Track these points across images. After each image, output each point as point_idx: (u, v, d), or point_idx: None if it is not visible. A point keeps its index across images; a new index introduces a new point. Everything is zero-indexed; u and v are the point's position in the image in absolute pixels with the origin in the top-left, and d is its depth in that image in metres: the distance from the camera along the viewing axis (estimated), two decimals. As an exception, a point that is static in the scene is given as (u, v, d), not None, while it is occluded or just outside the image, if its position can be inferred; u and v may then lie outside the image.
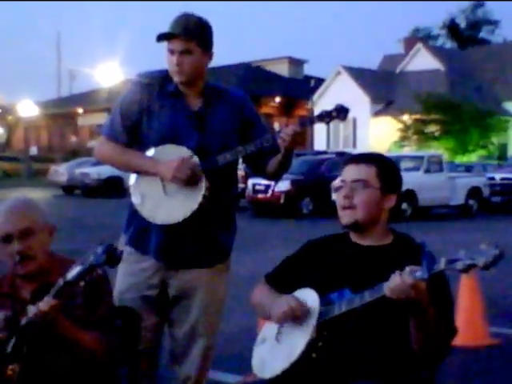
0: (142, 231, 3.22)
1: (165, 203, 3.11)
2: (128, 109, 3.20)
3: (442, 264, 2.25)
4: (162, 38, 3.10)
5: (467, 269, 2.21)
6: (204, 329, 3.28)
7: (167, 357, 3.39)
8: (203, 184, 3.09)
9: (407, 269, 2.30)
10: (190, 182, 3.06)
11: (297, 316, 2.51)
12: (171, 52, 3.12)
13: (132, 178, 3.23)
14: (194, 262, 3.22)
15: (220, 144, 3.15)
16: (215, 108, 3.21)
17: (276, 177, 3.35)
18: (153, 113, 3.17)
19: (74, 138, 49.10)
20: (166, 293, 3.26)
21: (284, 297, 2.59)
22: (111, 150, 3.24)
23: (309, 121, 3.19)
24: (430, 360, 2.52)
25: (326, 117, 3.08)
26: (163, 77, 3.20)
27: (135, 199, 3.18)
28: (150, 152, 3.16)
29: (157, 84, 3.20)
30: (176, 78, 3.15)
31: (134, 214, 3.22)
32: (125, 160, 3.21)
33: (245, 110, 3.28)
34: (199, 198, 3.08)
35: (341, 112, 3.07)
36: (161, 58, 3.21)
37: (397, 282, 2.28)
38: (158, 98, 3.17)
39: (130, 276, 3.23)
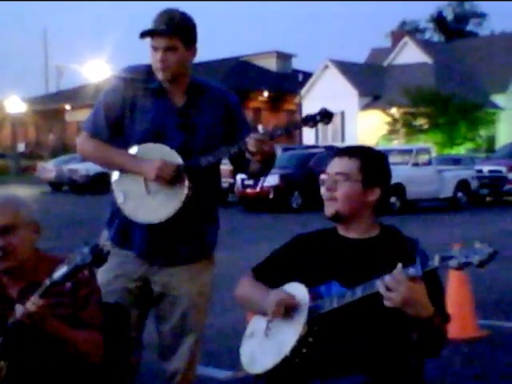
0: (125, 228, 3.20)
1: (147, 202, 3.10)
2: (111, 104, 3.17)
3: (435, 261, 2.25)
4: (145, 34, 3.08)
5: (461, 267, 2.21)
6: (191, 324, 3.28)
7: (156, 352, 3.37)
8: (186, 184, 3.07)
9: (399, 265, 2.29)
10: (173, 182, 3.06)
11: (289, 310, 2.51)
12: (155, 49, 3.09)
13: (114, 175, 3.21)
14: (177, 260, 3.21)
15: (204, 142, 3.14)
16: (200, 105, 3.20)
17: (259, 176, 3.39)
18: (136, 109, 3.14)
19: (52, 136, 48.67)
20: (149, 288, 3.25)
21: (275, 291, 2.58)
22: (94, 147, 3.21)
23: (294, 126, 3.19)
24: (427, 351, 2.52)
25: (310, 121, 3.06)
26: (148, 72, 3.17)
27: (118, 197, 3.16)
28: (133, 150, 3.14)
29: (141, 80, 3.17)
30: (160, 75, 3.12)
31: (116, 211, 3.20)
32: (108, 158, 3.19)
33: (230, 108, 3.26)
34: (182, 198, 3.07)
35: (325, 116, 3.04)
36: (148, 55, 3.19)
37: (389, 279, 2.28)
38: (142, 94, 3.15)
39: (111, 270, 3.18)
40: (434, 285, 2.46)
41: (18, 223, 2.72)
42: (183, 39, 3.09)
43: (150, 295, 3.27)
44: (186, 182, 3.07)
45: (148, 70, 3.17)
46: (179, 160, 3.07)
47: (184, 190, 3.08)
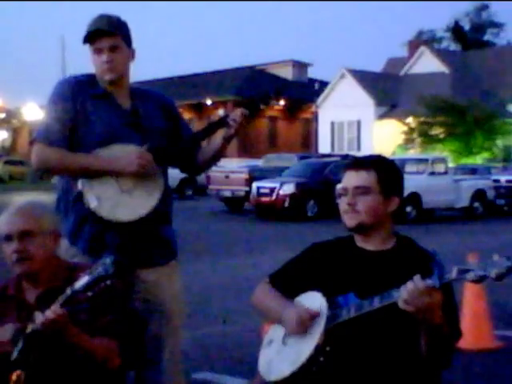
0: (97, 236, 3.12)
1: (124, 200, 3.09)
2: (62, 112, 3.13)
3: (453, 273, 2.25)
4: (88, 37, 3.12)
5: (479, 280, 2.21)
6: (171, 328, 3.25)
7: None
8: (161, 178, 3.14)
9: (418, 276, 2.29)
10: (151, 174, 3.09)
11: (306, 328, 2.51)
12: (99, 51, 3.13)
13: (80, 183, 3.10)
14: (151, 260, 3.20)
15: (158, 140, 3.19)
16: (146, 107, 3.25)
17: (207, 168, 3.45)
18: (87, 115, 3.14)
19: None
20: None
21: (293, 308, 2.57)
22: (54, 155, 3.11)
23: (251, 103, 3.28)
24: (437, 363, 2.52)
25: (265, 98, 3.27)
26: (90, 80, 3.20)
27: (91, 202, 3.06)
28: (96, 153, 3.11)
29: (86, 87, 3.17)
30: (107, 76, 3.14)
31: (83, 221, 3.12)
32: (73, 163, 3.10)
33: (169, 108, 3.37)
34: (160, 191, 3.11)
35: (278, 94, 3.23)
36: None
37: (409, 287, 2.28)
38: (90, 100, 3.15)
39: None
40: (448, 298, 2.45)
41: (38, 230, 2.74)
42: (124, 38, 3.16)
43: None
44: (161, 177, 3.14)
45: (90, 79, 3.20)
46: (146, 151, 3.11)
47: (160, 185, 3.12)
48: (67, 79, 3.27)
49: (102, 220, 3.07)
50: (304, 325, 2.51)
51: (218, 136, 3.26)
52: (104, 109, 3.16)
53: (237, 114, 3.16)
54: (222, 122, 3.20)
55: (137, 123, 3.20)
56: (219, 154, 3.33)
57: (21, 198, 26.98)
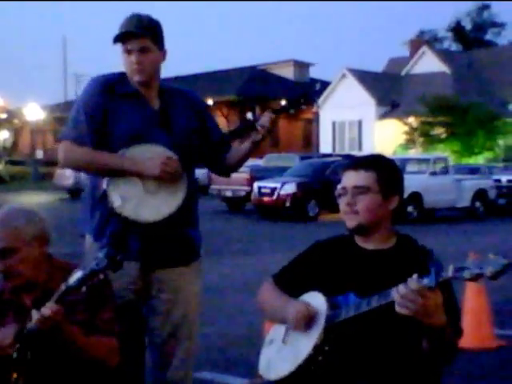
0: (118, 236, 3.13)
1: (148, 201, 3.09)
2: (91, 110, 3.14)
3: (449, 272, 2.25)
4: (118, 38, 3.12)
5: (475, 278, 2.21)
6: (187, 330, 3.26)
7: (149, 364, 3.31)
8: (185, 180, 3.13)
9: (414, 276, 2.29)
10: (175, 178, 3.08)
11: (308, 323, 2.52)
12: (129, 52, 3.13)
13: (105, 182, 3.11)
14: (173, 261, 3.20)
15: (185, 141, 3.19)
16: (175, 106, 3.25)
17: (235, 169, 3.43)
18: (116, 114, 3.14)
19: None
20: (147, 296, 3.21)
21: (294, 303, 2.60)
22: (82, 154, 3.13)
23: (281, 109, 3.33)
24: (439, 361, 2.52)
25: (295, 103, 3.35)
26: (121, 78, 3.20)
27: (115, 201, 3.08)
28: (123, 153, 3.11)
29: (116, 86, 3.18)
30: (136, 78, 3.14)
31: (107, 219, 3.14)
32: (99, 162, 3.11)
33: (201, 108, 3.36)
34: (183, 193, 3.11)
35: (307, 100, 3.30)
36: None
37: (401, 291, 2.28)
38: (119, 99, 3.16)
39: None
40: (448, 297, 2.45)
41: (20, 244, 2.68)
42: (154, 40, 3.14)
43: (146, 301, 3.22)
44: (185, 179, 3.13)
45: (120, 77, 3.20)
46: (174, 155, 3.10)
47: (184, 185, 3.11)
48: (97, 78, 3.25)
49: (126, 219, 3.08)
50: (304, 319, 2.51)
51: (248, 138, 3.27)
52: (132, 108, 3.16)
53: (266, 119, 3.15)
54: (251, 126, 3.20)
55: (165, 123, 3.19)
56: (247, 157, 3.34)
57: (22, 198, 27.05)
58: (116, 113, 3.14)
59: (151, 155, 3.09)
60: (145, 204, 3.08)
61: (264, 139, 3.21)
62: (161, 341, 3.23)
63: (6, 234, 2.67)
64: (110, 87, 3.17)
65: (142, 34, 3.09)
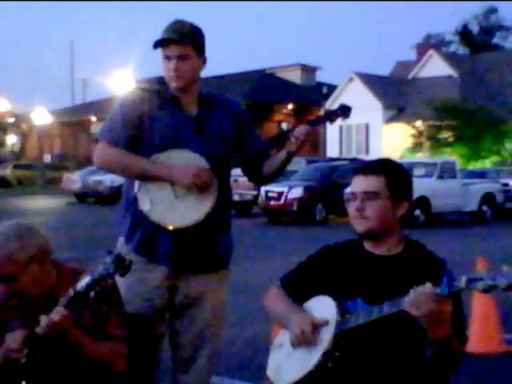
0: (148, 239, 3.16)
1: (177, 206, 3.10)
2: (129, 113, 3.17)
3: (462, 283, 2.24)
4: (158, 44, 3.14)
5: (488, 290, 2.20)
6: (211, 334, 3.28)
7: (170, 366, 3.34)
8: (216, 187, 3.12)
9: (427, 284, 2.29)
10: (204, 189, 3.09)
11: (308, 342, 2.51)
12: (168, 58, 3.15)
13: (136, 186, 3.14)
14: (202, 267, 3.22)
15: (220, 148, 3.19)
16: (213, 113, 3.25)
17: (272, 179, 3.43)
18: (153, 118, 3.16)
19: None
20: (172, 301, 3.23)
21: (299, 317, 2.58)
22: (116, 156, 3.16)
23: (317, 121, 3.30)
24: (444, 369, 2.52)
25: (332, 115, 3.23)
26: (160, 83, 3.22)
27: (144, 205, 3.11)
28: (156, 157, 3.14)
29: (155, 90, 3.21)
30: (173, 84, 3.17)
31: (138, 223, 3.17)
32: (132, 165, 3.14)
33: (240, 116, 3.35)
34: (212, 200, 3.11)
35: (345, 111, 3.22)
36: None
37: (418, 290, 2.28)
38: (157, 104, 3.18)
39: (135, 286, 3.15)
40: (456, 306, 2.44)
41: (16, 269, 2.67)
42: (195, 47, 3.15)
43: (172, 310, 3.25)
44: (216, 187, 3.12)
45: (160, 81, 3.23)
46: (206, 164, 3.11)
47: (214, 192, 3.12)
48: (139, 82, 3.29)
49: (155, 223, 3.10)
50: (305, 339, 2.50)
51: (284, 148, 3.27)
52: (169, 113, 3.18)
53: (301, 131, 3.15)
54: (285, 137, 3.20)
55: (200, 130, 3.20)
56: (283, 167, 3.32)
57: (29, 203, 27.08)
58: (152, 118, 3.16)
59: (184, 161, 3.10)
60: (173, 209, 3.10)
61: (298, 151, 3.20)
62: (184, 343, 3.26)
63: (4, 261, 2.65)
64: (148, 92, 3.20)
65: (182, 41, 3.11)
